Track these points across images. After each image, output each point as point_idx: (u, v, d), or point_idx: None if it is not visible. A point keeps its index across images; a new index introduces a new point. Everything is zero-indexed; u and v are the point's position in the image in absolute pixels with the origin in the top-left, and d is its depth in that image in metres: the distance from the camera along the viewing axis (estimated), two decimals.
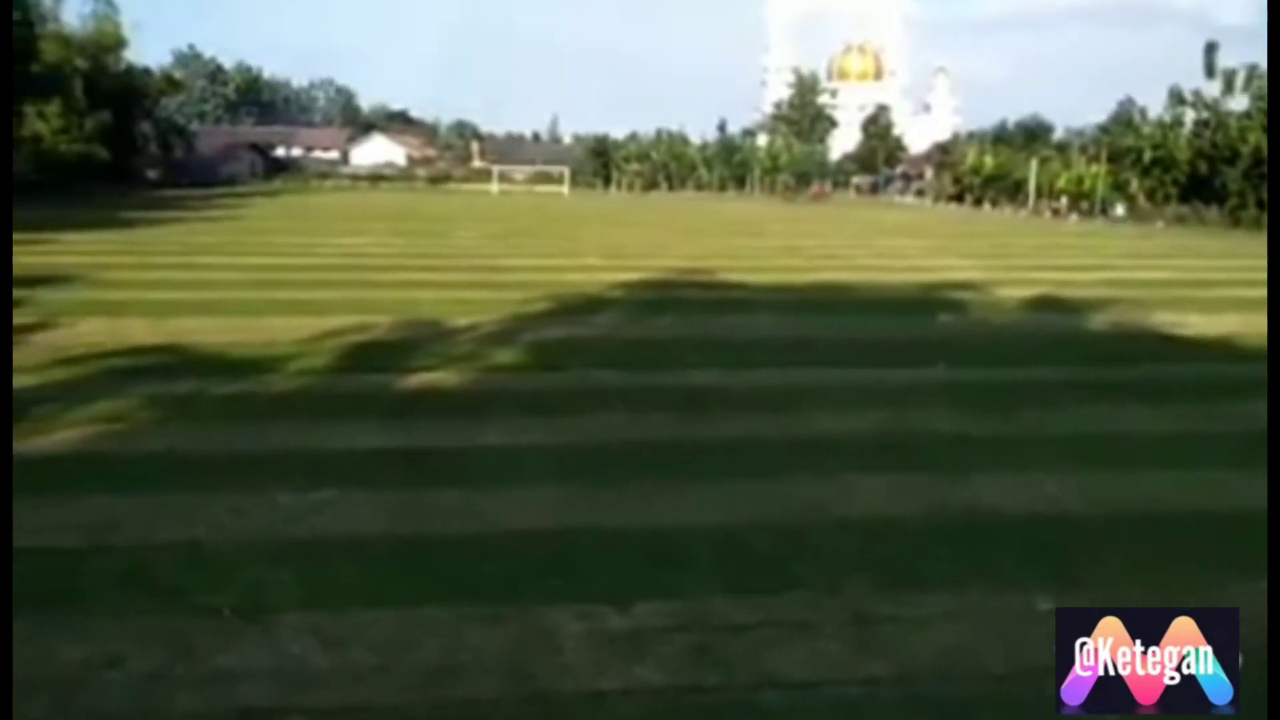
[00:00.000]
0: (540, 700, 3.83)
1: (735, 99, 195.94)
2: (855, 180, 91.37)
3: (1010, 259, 25.62)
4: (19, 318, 12.23)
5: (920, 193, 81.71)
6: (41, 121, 49.22)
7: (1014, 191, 67.19)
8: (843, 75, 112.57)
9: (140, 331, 11.42)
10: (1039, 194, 63.74)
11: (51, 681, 3.85)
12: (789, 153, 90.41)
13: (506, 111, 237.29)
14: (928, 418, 8.25)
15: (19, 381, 8.74)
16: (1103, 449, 7.41)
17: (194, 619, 4.36)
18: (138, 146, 60.75)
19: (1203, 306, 15.63)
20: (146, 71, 62.06)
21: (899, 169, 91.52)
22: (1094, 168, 60.47)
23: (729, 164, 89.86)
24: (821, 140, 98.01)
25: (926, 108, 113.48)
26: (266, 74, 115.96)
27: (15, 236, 23.50)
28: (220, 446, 6.98)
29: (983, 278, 19.35)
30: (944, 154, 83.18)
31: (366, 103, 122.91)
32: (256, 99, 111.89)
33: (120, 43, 56.68)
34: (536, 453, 6.94)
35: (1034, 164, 65.43)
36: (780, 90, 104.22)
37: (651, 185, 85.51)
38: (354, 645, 4.18)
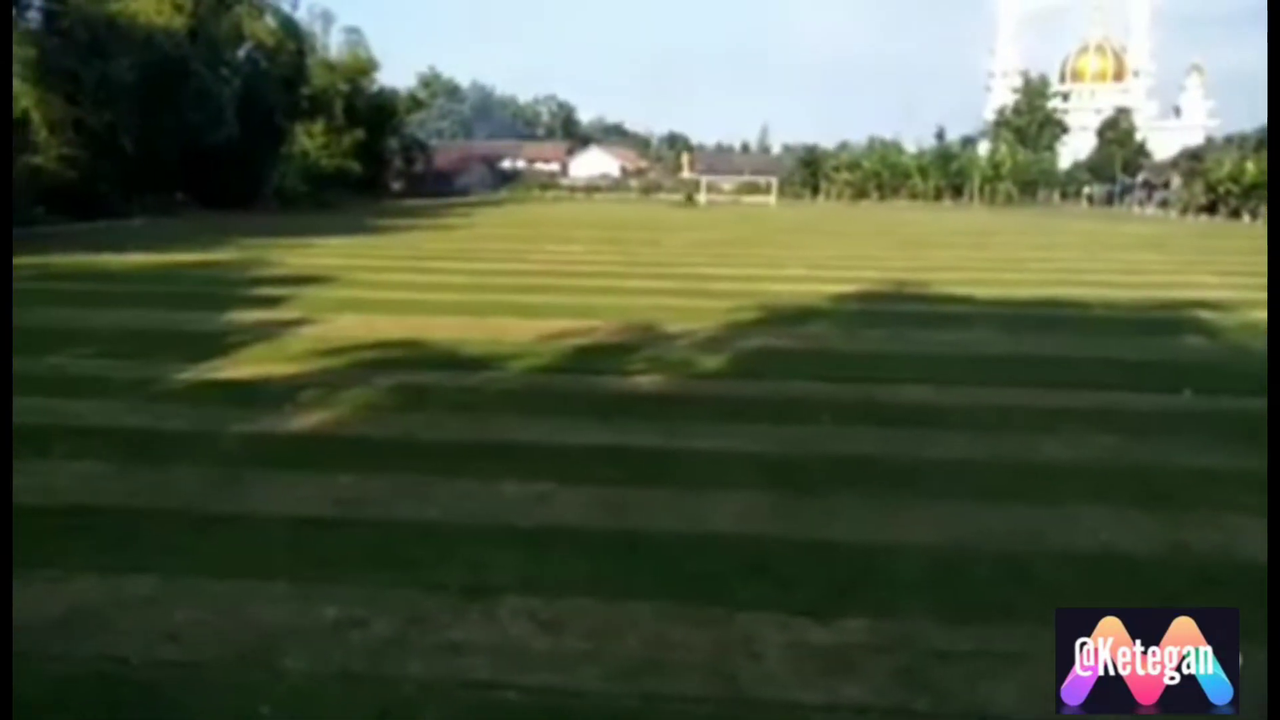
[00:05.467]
0: (742, 705, 3.87)
1: (953, 107, 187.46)
2: (1087, 190, 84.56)
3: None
4: (287, 313, 13.85)
5: (1165, 204, 74.14)
6: (308, 139, 55.31)
7: None
8: (1077, 76, 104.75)
9: (386, 327, 12.60)
10: None
11: (310, 636, 4.35)
12: (1012, 160, 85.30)
13: (718, 123, 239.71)
14: (1169, 448, 7.54)
15: (286, 369, 9.93)
16: None
17: (426, 592, 4.77)
18: (385, 160, 66.87)
19: None
20: (394, 92, 68.14)
21: (1139, 177, 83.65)
22: None
23: (945, 172, 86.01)
24: (1049, 147, 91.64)
25: (1176, 110, 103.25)
26: (497, 92, 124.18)
27: (286, 241, 26.82)
28: (453, 435, 7.58)
29: (1239, 297, 17.32)
30: (1195, 160, 75.16)
31: (585, 117, 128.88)
32: (487, 115, 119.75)
33: (374, 66, 62.66)
34: (744, 458, 7.00)
35: None
36: (1004, 95, 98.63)
37: (861, 194, 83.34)
38: (566, 630, 4.42)
